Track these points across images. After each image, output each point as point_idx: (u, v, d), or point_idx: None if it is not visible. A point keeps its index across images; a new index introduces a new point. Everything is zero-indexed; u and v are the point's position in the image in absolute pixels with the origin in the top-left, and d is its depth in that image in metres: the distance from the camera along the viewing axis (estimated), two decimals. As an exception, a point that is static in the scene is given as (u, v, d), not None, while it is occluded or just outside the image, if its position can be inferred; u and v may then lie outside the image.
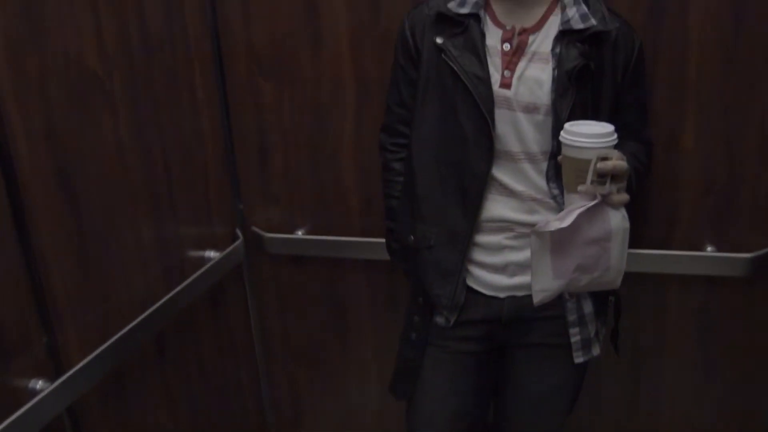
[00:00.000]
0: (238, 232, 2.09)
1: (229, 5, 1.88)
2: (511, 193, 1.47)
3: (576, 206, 1.29)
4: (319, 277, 2.12)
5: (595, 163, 1.24)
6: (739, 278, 1.79)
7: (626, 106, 1.51)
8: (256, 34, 1.89)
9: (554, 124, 1.41)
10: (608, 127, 1.28)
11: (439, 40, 1.46)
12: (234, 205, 2.07)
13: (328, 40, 1.85)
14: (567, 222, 1.26)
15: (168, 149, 1.71)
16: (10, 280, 1.28)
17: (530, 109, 1.43)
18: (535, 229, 1.32)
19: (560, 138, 1.29)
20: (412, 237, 1.57)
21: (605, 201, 1.29)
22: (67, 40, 1.37)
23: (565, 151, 1.29)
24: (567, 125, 1.29)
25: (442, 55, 1.45)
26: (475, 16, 1.45)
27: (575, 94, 1.40)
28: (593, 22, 1.40)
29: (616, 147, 1.30)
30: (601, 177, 1.26)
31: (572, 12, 1.42)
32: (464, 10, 1.45)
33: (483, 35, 1.44)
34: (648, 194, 1.77)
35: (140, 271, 1.64)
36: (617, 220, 1.31)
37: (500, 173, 1.46)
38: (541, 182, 1.46)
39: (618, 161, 1.27)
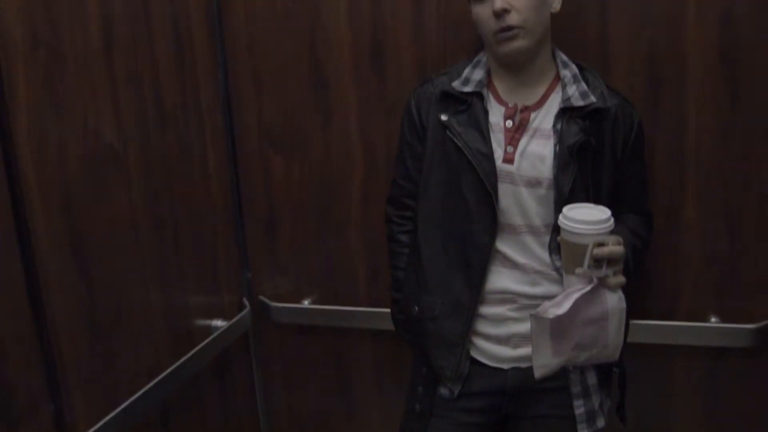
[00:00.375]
0: (245, 302, 2.10)
1: (241, 80, 1.95)
2: (514, 265, 1.49)
3: (574, 289, 1.32)
4: (326, 346, 2.12)
5: (592, 249, 1.28)
6: (744, 349, 1.79)
7: (626, 179, 1.54)
8: (266, 108, 1.96)
9: (556, 198, 1.44)
10: (605, 213, 1.32)
11: (443, 117, 1.51)
12: (242, 274, 2.09)
13: (337, 114, 1.91)
14: (565, 308, 1.30)
15: (179, 219, 1.75)
16: (21, 346, 1.29)
17: (533, 183, 1.47)
18: (534, 314, 1.34)
19: (558, 222, 1.33)
20: (416, 307, 1.58)
21: (602, 283, 1.33)
22: (86, 114, 1.42)
23: (563, 234, 1.32)
24: (565, 209, 1.33)
25: (447, 131, 1.50)
26: (478, 95, 1.50)
27: (576, 169, 1.44)
28: (593, 99, 1.46)
29: (615, 219, 1.33)
30: (598, 261, 1.30)
31: (572, 90, 1.47)
32: (468, 89, 1.51)
33: (486, 112, 1.49)
34: (651, 265, 1.79)
35: (148, 340, 1.65)
36: (614, 301, 1.35)
37: (503, 245, 1.49)
38: (544, 254, 1.48)
39: (614, 247, 1.30)
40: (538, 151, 1.47)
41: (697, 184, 1.73)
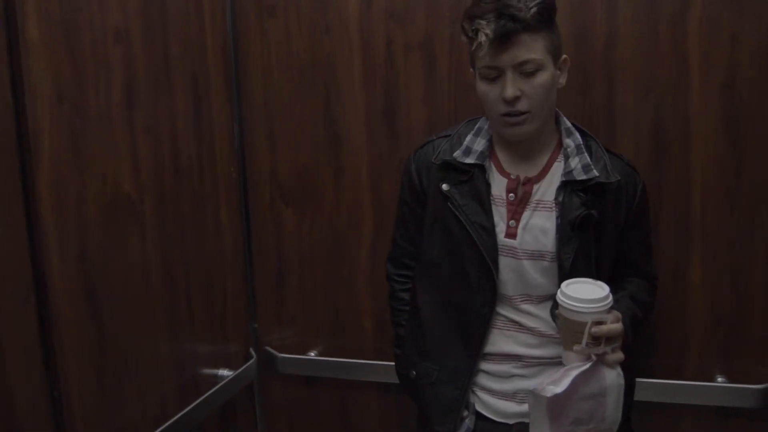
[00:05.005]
0: (252, 352, 2.11)
1: (255, 134, 2.01)
2: (518, 328, 1.49)
3: (572, 367, 1.32)
4: (331, 398, 2.12)
5: (590, 328, 1.28)
6: (751, 409, 1.78)
7: (630, 245, 1.53)
8: (280, 162, 2.01)
9: (559, 271, 1.43)
10: (603, 290, 1.31)
11: (444, 187, 1.49)
12: (249, 325, 2.11)
13: (348, 170, 1.96)
14: (563, 386, 1.29)
15: (190, 268, 1.77)
16: (30, 390, 1.31)
17: (536, 256, 1.45)
18: (532, 391, 1.33)
19: (557, 298, 1.32)
20: (414, 372, 1.58)
21: (600, 360, 1.32)
22: (106, 165, 1.47)
23: (561, 311, 1.31)
24: (563, 286, 1.32)
25: (448, 203, 1.48)
26: (480, 167, 1.48)
27: (578, 242, 1.42)
28: (595, 173, 1.43)
29: (618, 283, 1.33)
30: (596, 339, 1.29)
31: (575, 162, 1.45)
32: (470, 160, 1.48)
33: (488, 186, 1.47)
34: (658, 324, 1.79)
35: (155, 387, 1.66)
36: (612, 377, 1.34)
37: (506, 311, 1.49)
38: (546, 319, 1.47)
39: (612, 325, 1.29)
40: (540, 225, 1.45)
41: (703, 246, 1.75)
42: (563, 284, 1.33)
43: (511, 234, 1.45)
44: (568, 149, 1.47)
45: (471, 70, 1.46)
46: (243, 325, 2.07)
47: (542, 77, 1.36)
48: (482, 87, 1.41)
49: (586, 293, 1.30)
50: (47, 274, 1.33)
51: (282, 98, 1.97)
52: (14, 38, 1.25)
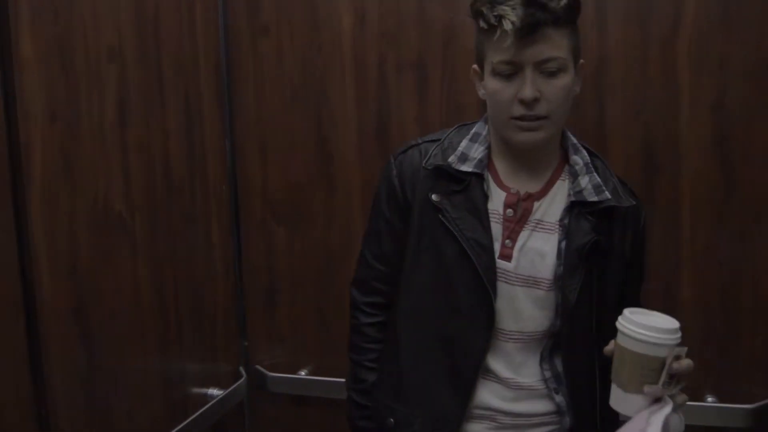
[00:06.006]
0: (242, 371, 2.10)
1: (247, 153, 2.01)
2: (496, 377, 1.31)
3: (653, 411, 1.10)
4: (321, 418, 2.10)
5: (671, 363, 1.09)
6: (741, 429, 1.78)
7: (629, 281, 1.37)
8: (271, 180, 2.01)
9: (561, 303, 1.28)
10: (670, 320, 1.14)
11: (435, 198, 1.30)
12: (239, 344, 2.09)
13: (340, 189, 1.96)
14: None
15: (180, 287, 1.77)
16: (18, 408, 1.30)
17: (530, 283, 1.28)
18: None
19: (625, 329, 1.11)
20: (391, 419, 1.38)
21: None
22: (97, 184, 1.46)
23: (629, 344, 1.11)
24: (628, 314, 1.13)
25: (440, 215, 1.29)
26: (478, 176, 1.30)
27: (584, 273, 1.27)
28: (607, 195, 1.28)
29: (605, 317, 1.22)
30: (670, 378, 1.11)
31: (585, 182, 1.29)
32: (466, 168, 1.30)
33: (486, 198, 1.29)
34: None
35: (144, 407, 1.64)
36: (675, 422, 1.13)
37: (491, 353, 1.30)
38: (534, 365, 1.32)
39: (689, 360, 1.11)
40: (538, 248, 1.28)
41: (692, 265, 1.76)
42: (627, 312, 1.14)
43: (506, 255, 1.28)
44: (577, 167, 1.31)
45: (474, 67, 1.32)
46: (233, 343, 2.06)
47: (564, 79, 1.22)
48: (494, 84, 1.24)
49: (662, 323, 1.12)
50: (37, 292, 1.32)
51: (274, 117, 1.98)
52: (7, 55, 1.24)
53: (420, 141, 1.39)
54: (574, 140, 1.36)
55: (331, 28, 1.90)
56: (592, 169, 1.32)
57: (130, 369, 1.59)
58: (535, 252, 1.28)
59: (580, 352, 1.32)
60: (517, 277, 1.28)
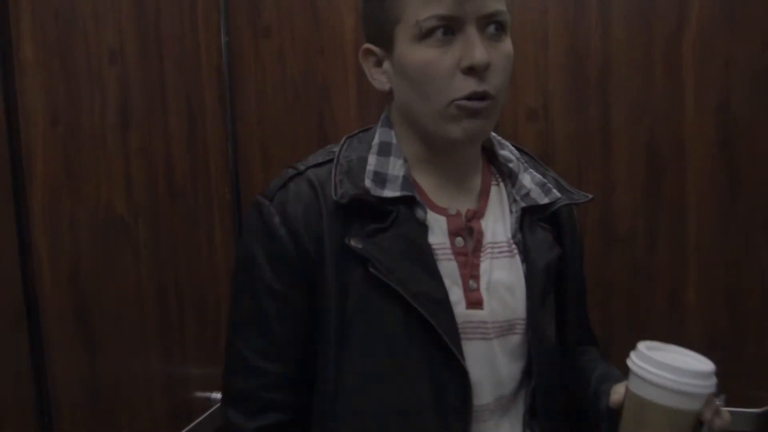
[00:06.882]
0: (245, 374, 2.09)
1: (249, 154, 2.00)
2: None
3: None
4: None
5: (711, 419, 0.85)
6: (748, 434, 1.78)
7: (578, 294, 1.11)
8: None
9: (534, 344, 0.98)
10: (703, 358, 0.90)
11: (355, 243, 0.91)
12: (242, 347, 2.08)
13: (343, 190, 1.94)
14: None
15: (183, 290, 1.76)
16: (20, 413, 1.28)
17: (505, 330, 0.97)
18: None
19: (645, 374, 0.84)
20: None
21: None
22: (99, 187, 1.45)
23: (652, 394, 0.84)
24: (645, 350, 0.87)
25: (369, 269, 0.90)
26: (407, 200, 0.94)
27: (552, 299, 1.02)
28: (556, 193, 1.02)
29: (578, 357, 1.06)
30: None
31: (527, 181, 1.02)
32: (391, 193, 0.93)
33: (425, 229, 0.94)
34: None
35: (147, 411, 1.63)
36: None
37: None
38: None
39: (727, 412, 0.89)
40: (505, 280, 0.97)
41: (698, 268, 1.75)
42: (644, 348, 0.87)
43: (474, 302, 0.94)
44: (510, 164, 1.03)
45: (368, 47, 0.98)
46: (236, 347, 2.05)
47: (509, 45, 0.92)
48: (422, 54, 0.89)
49: (688, 363, 0.87)
50: (39, 295, 1.30)
51: (276, 119, 1.97)
52: (8, 59, 1.24)
53: (301, 167, 1.00)
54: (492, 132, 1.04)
55: (332, 29, 1.89)
56: (526, 165, 1.05)
57: (132, 373, 1.58)
58: (504, 288, 0.97)
59: (555, 397, 1.04)
60: (493, 327, 0.95)
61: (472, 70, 0.87)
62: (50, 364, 1.34)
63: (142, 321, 1.60)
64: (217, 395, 1.92)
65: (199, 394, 1.87)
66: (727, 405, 1.75)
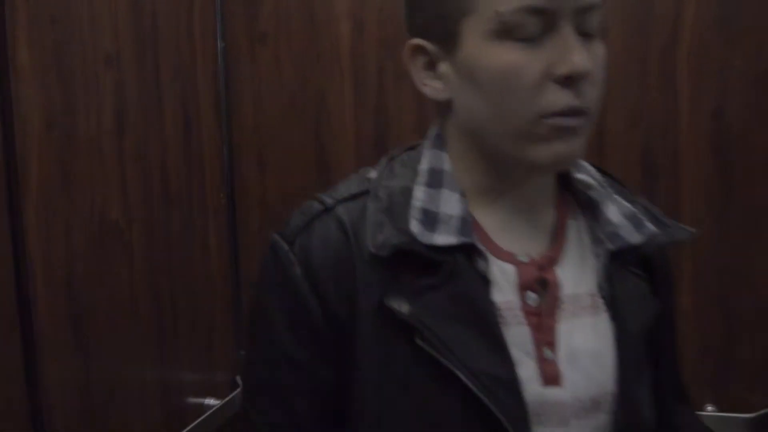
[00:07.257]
0: (239, 380, 2.08)
1: (245, 161, 2.00)
2: None
3: None
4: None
5: None
6: (742, 439, 1.78)
7: (672, 348, 0.92)
8: (269, 189, 2.00)
9: (626, 427, 0.77)
10: None
11: (400, 307, 0.72)
12: (236, 353, 2.08)
13: (338, 196, 1.94)
14: None
15: (177, 296, 1.75)
16: (13, 419, 1.28)
17: (588, 410, 0.76)
18: None
19: None
20: None
21: None
22: (94, 193, 1.45)
23: None
24: None
25: (415, 339, 0.72)
26: (468, 250, 0.75)
27: (648, 366, 0.81)
28: (651, 227, 0.81)
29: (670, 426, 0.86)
30: None
31: (613, 212, 0.80)
32: (446, 240, 0.73)
33: (487, 284, 0.75)
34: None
35: (141, 418, 1.63)
36: None
37: None
38: None
39: None
40: (591, 346, 0.77)
41: (692, 274, 1.75)
42: None
43: (552, 377, 0.75)
44: (590, 192, 0.83)
45: (416, 42, 0.81)
46: (230, 353, 2.05)
47: (603, 48, 0.74)
48: (506, 56, 0.70)
49: None
50: (33, 302, 1.30)
51: (272, 125, 1.97)
52: (4, 63, 1.23)
53: (329, 202, 0.82)
54: None
55: (329, 36, 1.89)
56: (610, 190, 0.85)
57: (126, 379, 1.58)
58: (587, 355, 0.77)
59: None
60: (573, 409, 0.75)
61: (569, 80, 0.69)
62: (44, 370, 1.33)
63: (136, 327, 1.60)
64: (211, 401, 1.92)
65: (193, 399, 1.86)
66: (720, 410, 1.78)
